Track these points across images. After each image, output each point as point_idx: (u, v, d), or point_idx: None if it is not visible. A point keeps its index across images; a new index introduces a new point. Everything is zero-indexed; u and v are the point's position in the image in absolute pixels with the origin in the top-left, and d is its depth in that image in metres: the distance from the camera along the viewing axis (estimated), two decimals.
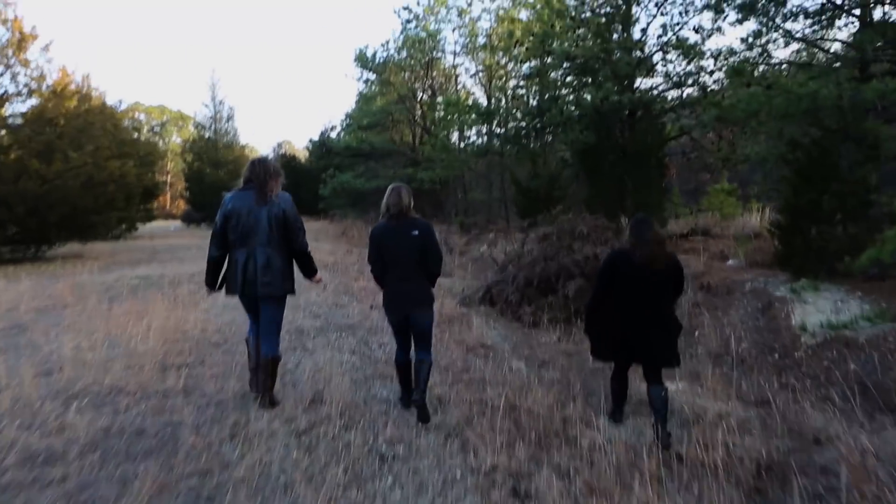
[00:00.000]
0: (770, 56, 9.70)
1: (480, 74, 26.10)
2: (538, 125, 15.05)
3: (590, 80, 13.21)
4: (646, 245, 4.10)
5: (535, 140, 17.02)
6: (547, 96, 14.62)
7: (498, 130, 18.61)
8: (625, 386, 4.52)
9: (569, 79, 14.18)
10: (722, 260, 11.42)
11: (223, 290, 4.50)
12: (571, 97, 13.77)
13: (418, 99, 27.50)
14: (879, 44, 8.00)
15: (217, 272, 4.45)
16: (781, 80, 6.87)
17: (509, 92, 20.44)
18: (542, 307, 8.57)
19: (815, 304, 6.50)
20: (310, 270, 4.68)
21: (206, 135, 39.37)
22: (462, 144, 23.60)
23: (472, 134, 22.54)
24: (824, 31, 9.85)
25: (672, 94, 13.55)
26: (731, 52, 10.31)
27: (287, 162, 43.25)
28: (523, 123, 15.80)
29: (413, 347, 4.40)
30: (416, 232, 4.15)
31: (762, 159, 9.30)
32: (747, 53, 10.19)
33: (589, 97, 11.83)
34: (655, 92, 13.03)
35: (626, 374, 4.51)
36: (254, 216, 4.23)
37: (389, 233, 4.21)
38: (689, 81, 12.34)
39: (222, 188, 21.57)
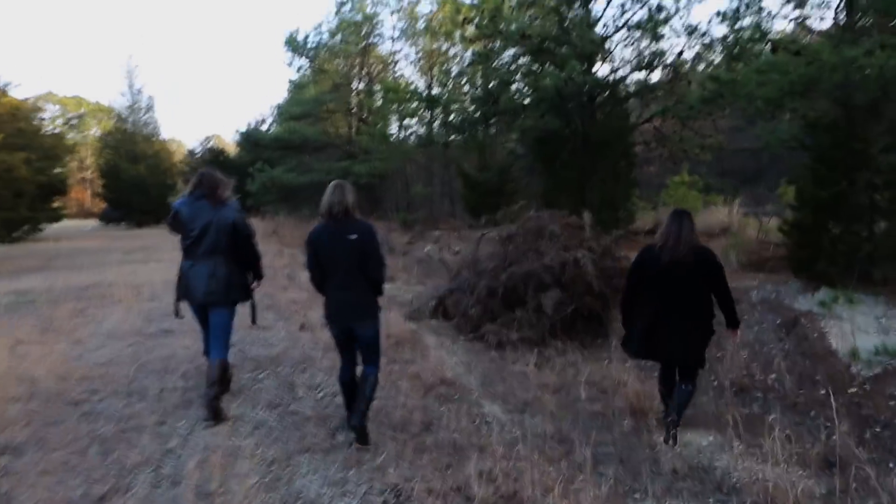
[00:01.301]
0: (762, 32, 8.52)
1: (421, 61, 24.53)
2: (488, 112, 13.60)
3: (547, 62, 11.84)
4: (676, 241, 3.99)
5: (484, 129, 15.58)
6: (498, 80, 13.15)
7: (441, 119, 17.08)
8: (671, 387, 4.33)
9: (522, 60, 12.75)
10: None
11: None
12: (526, 81, 12.34)
13: (354, 87, 25.66)
14: None
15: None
16: (815, 47, 5.63)
17: (452, 78, 18.89)
18: (509, 323, 7.12)
19: (853, 321, 5.26)
20: (257, 276, 4.78)
21: (124, 126, 36.18)
22: (402, 135, 21.98)
23: (413, 123, 20.92)
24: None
25: (635, 76, 12.34)
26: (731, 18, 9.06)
27: (215, 157, 40.50)
28: (471, 109, 14.31)
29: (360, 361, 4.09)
30: (355, 235, 3.80)
31: (766, 144, 8.13)
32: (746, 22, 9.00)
33: (548, 79, 10.48)
34: (618, 75, 11.75)
35: (673, 375, 4.33)
36: (201, 224, 4.30)
37: (327, 236, 3.85)
38: (657, 63, 11.12)
39: (141, 184, 19.23)
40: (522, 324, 7.03)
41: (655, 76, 11.76)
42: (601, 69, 12.05)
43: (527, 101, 11.95)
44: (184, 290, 4.45)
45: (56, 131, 35.18)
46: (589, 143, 12.00)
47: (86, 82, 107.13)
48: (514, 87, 12.83)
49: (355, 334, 3.97)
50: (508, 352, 6.67)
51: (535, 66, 12.01)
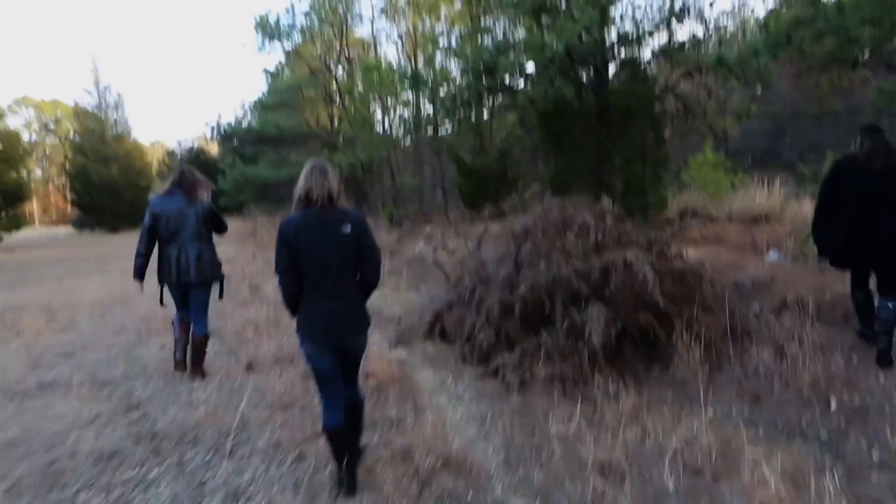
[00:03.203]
0: None
1: (404, 43, 22.50)
2: (483, 86, 11.62)
3: (551, 19, 9.87)
4: (886, 150, 4.24)
5: (478, 108, 13.60)
6: (493, 49, 11.15)
7: (429, 99, 15.11)
8: (869, 298, 4.57)
9: (523, 20, 10.74)
10: (752, 253, 8.39)
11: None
12: (527, 44, 10.31)
13: (332, 72, 23.56)
14: None
15: (144, 266, 4.98)
16: None
17: (440, 53, 16.85)
18: (532, 352, 5.19)
19: None
20: None
21: (91, 126, 33.86)
22: (387, 121, 19.85)
23: (398, 105, 18.74)
24: None
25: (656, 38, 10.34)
26: None
27: (195, 156, 38.47)
28: (463, 85, 12.30)
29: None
30: (349, 228, 3.01)
31: (877, 95, 6.28)
32: None
33: (555, 40, 8.53)
34: (641, 28, 9.70)
35: (868, 287, 4.58)
36: (183, 215, 4.85)
37: (309, 230, 2.98)
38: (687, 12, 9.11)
39: (112, 187, 17.23)
40: (551, 352, 5.09)
41: (682, 33, 9.77)
42: (619, 24, 10.04)
43: (530, 67, 9.94)
44: (168, 274, 4.88)
45: (21, 133, 32.70)
46: (607, 115, 10.05)
47: (64, 86, 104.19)
48: (512, 54, 10.81)
49: (347, 353, 3.20)
50: (536, 395, 4.73)
51: (536, 26, 9.99)
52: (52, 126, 73.87)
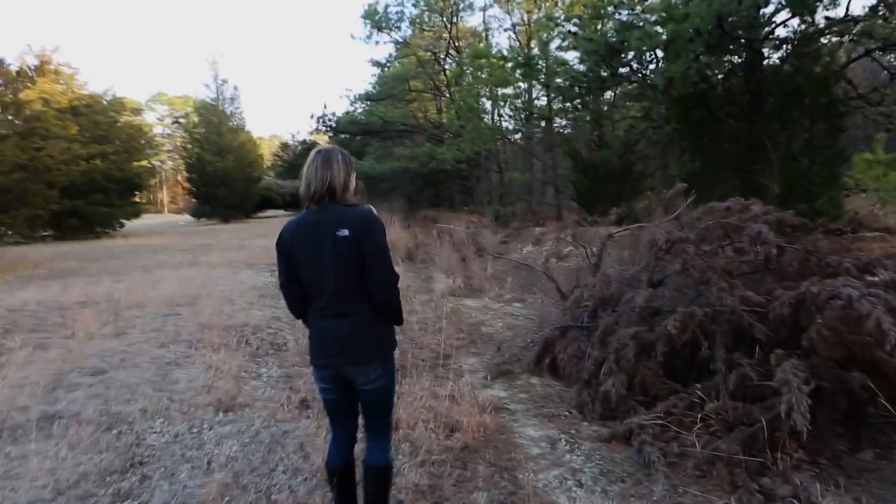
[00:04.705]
0: None
1: (516, 28, 21.08)
2: (609, 69, 10.07)
3: None
4: None
5: (597, 95, 11.99)
6: (622, 24, 9.56)
7: (543, 86, 13.65)
8: None
9: None
10: None
11: None
12: (667, 13, 8.63)
13: (441, 63, 22.51)
14: None
15: None
16: None
17: (556, 41, 15.28)
18: (679, 413, 3.72)
19: None
20: None
21: (209, 118, 34.99)
22: (496, 113, 18.42)
23: (508, 93, 17.23)
24: None
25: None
26: None
27: (308, 149, 39.13)
28: (582, 68, 10.78)
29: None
30: (347, 231, 2.36)
31: None
32: None
33: (705, 5, 6.87)
34: None
35: None
36: None
37: (304, 234, 2.45)
38: None
39: (226, 178, 17.44)
40: (710, 417, 3.60)
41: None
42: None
43: (665, 41, 8.23)
44: None
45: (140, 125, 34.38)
46: (761, 100, 8.22)
47: (195, 82, 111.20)
48: (642, 31, 9.14)
49: (355, 389, 2.51)
50: (689, 480, 3.28)
51: None
52: (183, 120, 78.89)
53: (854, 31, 7.87)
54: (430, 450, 3.54)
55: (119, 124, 24.29)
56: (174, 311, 7.18)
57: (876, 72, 12.73)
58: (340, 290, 2.43)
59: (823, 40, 8.43)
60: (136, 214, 25.85)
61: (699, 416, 3.62)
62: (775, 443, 3.39)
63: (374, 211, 2.49)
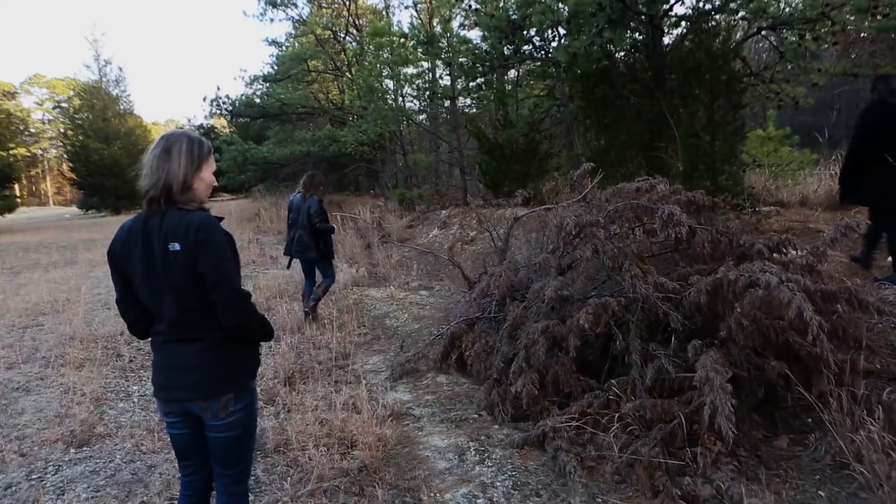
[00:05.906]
0: None
1: (418, 6, 20.52)
2: (512, 46, 9.78)
3: None
4: None
5: (501, 74, 11.71)
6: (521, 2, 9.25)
7: (445, 64, 13.25)
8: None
9: None
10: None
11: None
12: None
13: (341, 42, 21.63)
14: None
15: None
16: None
17: (458, 18, 14.84)
18: (595, 412, 3.45)
19: None
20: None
21: (91, 102, 32.24)
22: (399, 93, 17.85)
23: (410, 76, 16.71)
24: None
25: None
26: None
27: (205, 134, 36.93)
28: (485, 46, 10.44)
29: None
30: (178, 246, 1.92)
31: None
32: None
33: None
34: None
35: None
36: (299, 209, 6.44)
37: (132, 246, 2.00)
38: None
39: (114, 167, 15.26)
40: (628, 416, 3.32)
41: None
42: None
43: (567, 16, 7.98)
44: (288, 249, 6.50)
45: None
46: (663, 77, 8.17)
47: (77, 63, 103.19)
48: (545, 2, 8.86)
49: (203, 427, 2.08)
50: (610, 487, 2.99)
51: None
52: (65, 105, 73.30)
53: (748, 8, 7.92)
54: (322, 475, 3.09)
55: None
56: (36, 321, 6.30)
57: (764, 50, 13.18)
58: (180, 314, 2.00)
59: (719, 17, 8.49)
60: (10, 209, 23.47)
61: (616, 415, 3.35)
62: (694, 438, 3.17)
63: (212, 217, 2.03)
